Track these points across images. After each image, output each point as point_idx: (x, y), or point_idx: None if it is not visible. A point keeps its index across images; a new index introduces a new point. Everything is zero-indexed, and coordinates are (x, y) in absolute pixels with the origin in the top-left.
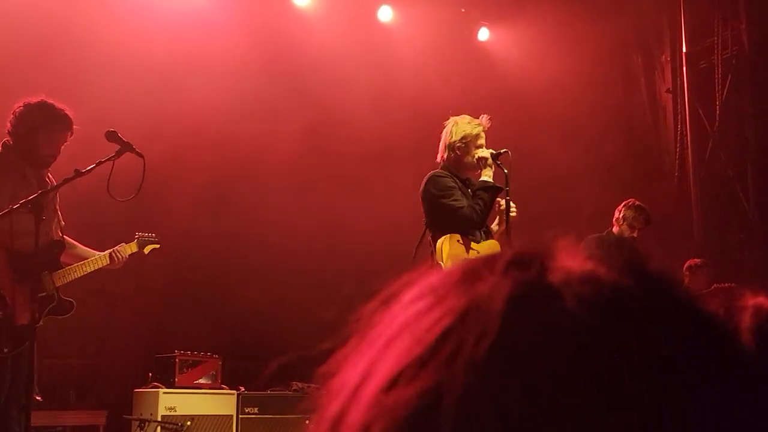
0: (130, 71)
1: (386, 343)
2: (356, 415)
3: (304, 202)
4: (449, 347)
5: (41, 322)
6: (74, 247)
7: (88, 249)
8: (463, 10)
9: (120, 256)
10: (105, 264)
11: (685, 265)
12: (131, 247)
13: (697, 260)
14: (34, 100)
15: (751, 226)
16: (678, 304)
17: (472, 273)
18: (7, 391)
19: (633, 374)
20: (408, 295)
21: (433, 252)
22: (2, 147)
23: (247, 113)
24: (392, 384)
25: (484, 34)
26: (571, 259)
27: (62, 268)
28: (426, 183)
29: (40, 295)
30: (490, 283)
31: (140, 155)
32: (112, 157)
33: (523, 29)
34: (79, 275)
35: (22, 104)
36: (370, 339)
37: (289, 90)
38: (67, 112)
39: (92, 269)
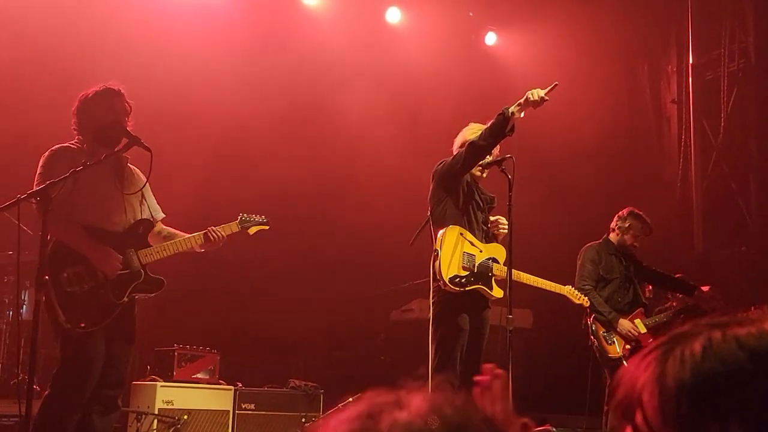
0: (141, 66)
1: None
2: None
3: (307, 202)
4: None
5: (126, 299)
6: (168, 232)
7: (186, 235)
8: (470, 14)
9: (217, 235)
10: (198, 243)
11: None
12: (231, 227)
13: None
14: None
15: (753, 240)
16: None
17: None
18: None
19: None
20: None
21: (433, 240)
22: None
23: (251, 110)
24: None
25: (491, 38)
26: None
27: (149, 246)
28: (434, 172)
29: (123, 272)
30: None
31: (148, 149)
32: (120, 150)
33: (531, 35)
34: (168, 254)
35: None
36: None
37: (295, 88)
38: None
39: (183, 248)
